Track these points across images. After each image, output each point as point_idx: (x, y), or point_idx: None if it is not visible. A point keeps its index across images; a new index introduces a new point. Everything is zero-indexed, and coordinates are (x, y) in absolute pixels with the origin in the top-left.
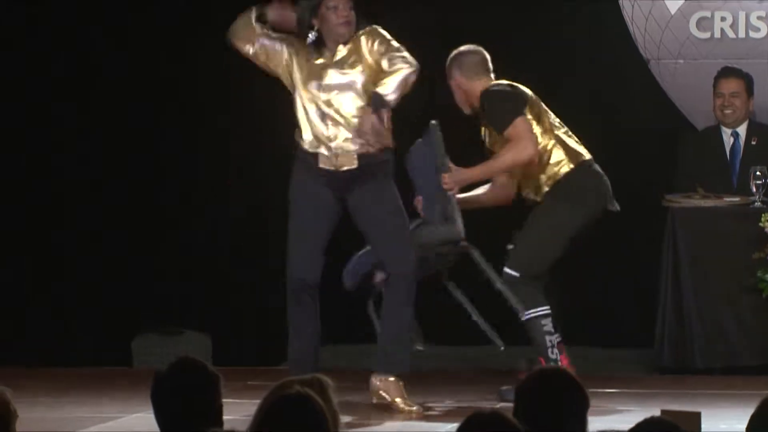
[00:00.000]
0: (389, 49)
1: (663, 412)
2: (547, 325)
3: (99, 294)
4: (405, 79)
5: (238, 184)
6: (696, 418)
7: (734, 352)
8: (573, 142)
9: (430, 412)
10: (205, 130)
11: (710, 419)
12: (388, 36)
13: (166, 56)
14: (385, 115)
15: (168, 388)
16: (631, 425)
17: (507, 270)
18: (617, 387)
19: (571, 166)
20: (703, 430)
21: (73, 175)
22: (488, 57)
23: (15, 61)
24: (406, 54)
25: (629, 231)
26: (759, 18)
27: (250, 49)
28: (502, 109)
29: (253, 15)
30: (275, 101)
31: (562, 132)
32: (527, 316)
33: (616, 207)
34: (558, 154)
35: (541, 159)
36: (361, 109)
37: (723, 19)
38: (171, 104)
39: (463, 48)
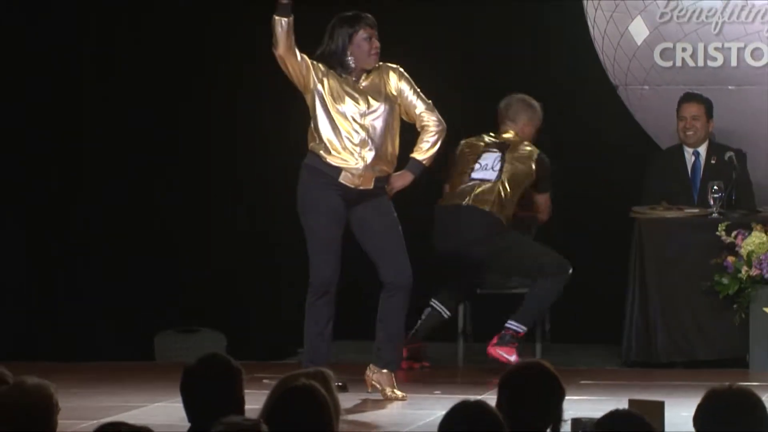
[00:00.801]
0: (420, 97)
1: (630, 401)
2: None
3: (124, 294)
4: (436, 142)
5: (246, 185)
6: (659, 406)
7: (693, 348)
8: (458, 186)
9: (419, 402)
10: (212, 131)
11: (672, 408)
12: (411, 80)
13: (169, 57)
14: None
15: (196, 380)
16: (602, 413)
17: None
18: (589, 379)
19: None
20: (665, 417)
21: (68, 177)
22: (510, 108)
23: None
24: (435, 112)
25: (600, 240)
26: (716, 49)
27: (293, 59)
28: None
29: (278, 18)
30: (280, 103)
31: (462, 176)
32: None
33: (448, 247)
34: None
35: None
36: (401, 174)
37: (684, 49)
38: (173, 103)
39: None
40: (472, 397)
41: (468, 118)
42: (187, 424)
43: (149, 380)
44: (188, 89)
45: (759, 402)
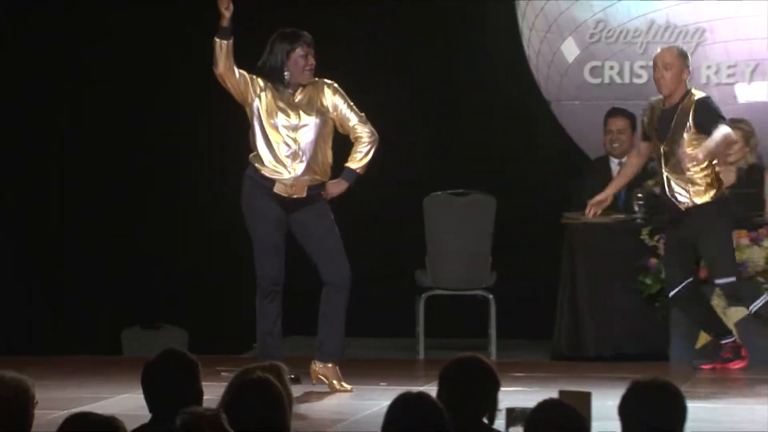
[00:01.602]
0: (353, 110)
1: (560, 392)
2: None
3: (94, 292)
4: (369, 152)
5: (210, 196)
6: (587, 396)
7: (619, 342)
8: None
9: (365, 393)
10: (182, 149)
11: (599, 398)
12: (345, 94)
13: (169, 57)
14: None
15: (156, 374)
16: (534, 403)
17: (722, 281)
18: (523, 371)
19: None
20: (593, 406)
21: (68, 177)
22: None
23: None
24: (368, 124)
25: (534, 243)
26: (641, 67)
27: (232, 77)
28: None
29: (218, 41)
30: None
31: None
32: (756, 307)
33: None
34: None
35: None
36: (336, 182)
37: (611, 67)
38: (172, 103)
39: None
40: (415, 389)
41: (409, 131)
42: (149, 414)
43: (117, 373)
44: (188, 90)
45: (678, 393)
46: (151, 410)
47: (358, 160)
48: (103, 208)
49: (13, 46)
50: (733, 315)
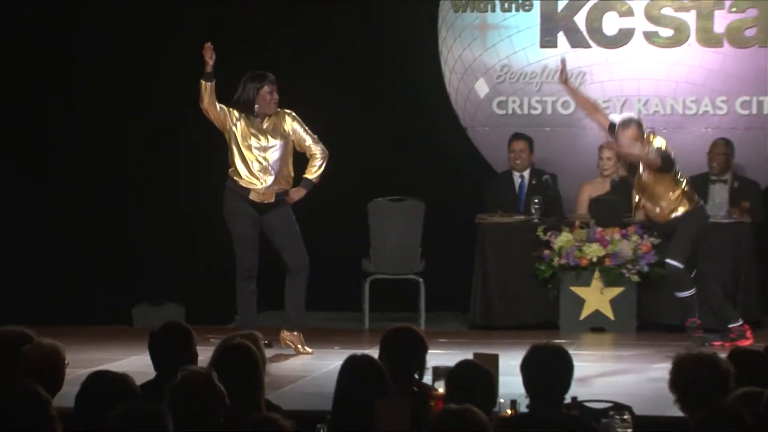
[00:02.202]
0: (308, 133)
1: (474, 354)
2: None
3: (110, 275)
4: (322, 165)
5: (203, 198)
6: (495, 357)
7: (521, 315)
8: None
9: (323, 355)
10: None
11: (505, 359)
12: (301, 121)
13: (169, 58)
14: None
15: (159, 340)
16: (454, 363)
17: (671, 261)
18: (445, 338)
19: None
20: (500, 365)
21: (68, 177)
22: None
23: (15, 61)
24: (320, 144)
25: (454, 239)
26: (537, 101)
27: (214, 111)
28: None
29: (204, 83)
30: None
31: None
32: (682, 296)
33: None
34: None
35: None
36: (297, 189)
37: (514, 101)
38: (172, 104)
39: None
40: (361, 352)
41: (357, 150)
42: (155, 372)
43: (128, 340)
44: (187, 90)
45: (567, 353)
46: (155, 369)
47: (313, 172)
48: (103, 208)
49: (13, 46)
50: (608, 293)
